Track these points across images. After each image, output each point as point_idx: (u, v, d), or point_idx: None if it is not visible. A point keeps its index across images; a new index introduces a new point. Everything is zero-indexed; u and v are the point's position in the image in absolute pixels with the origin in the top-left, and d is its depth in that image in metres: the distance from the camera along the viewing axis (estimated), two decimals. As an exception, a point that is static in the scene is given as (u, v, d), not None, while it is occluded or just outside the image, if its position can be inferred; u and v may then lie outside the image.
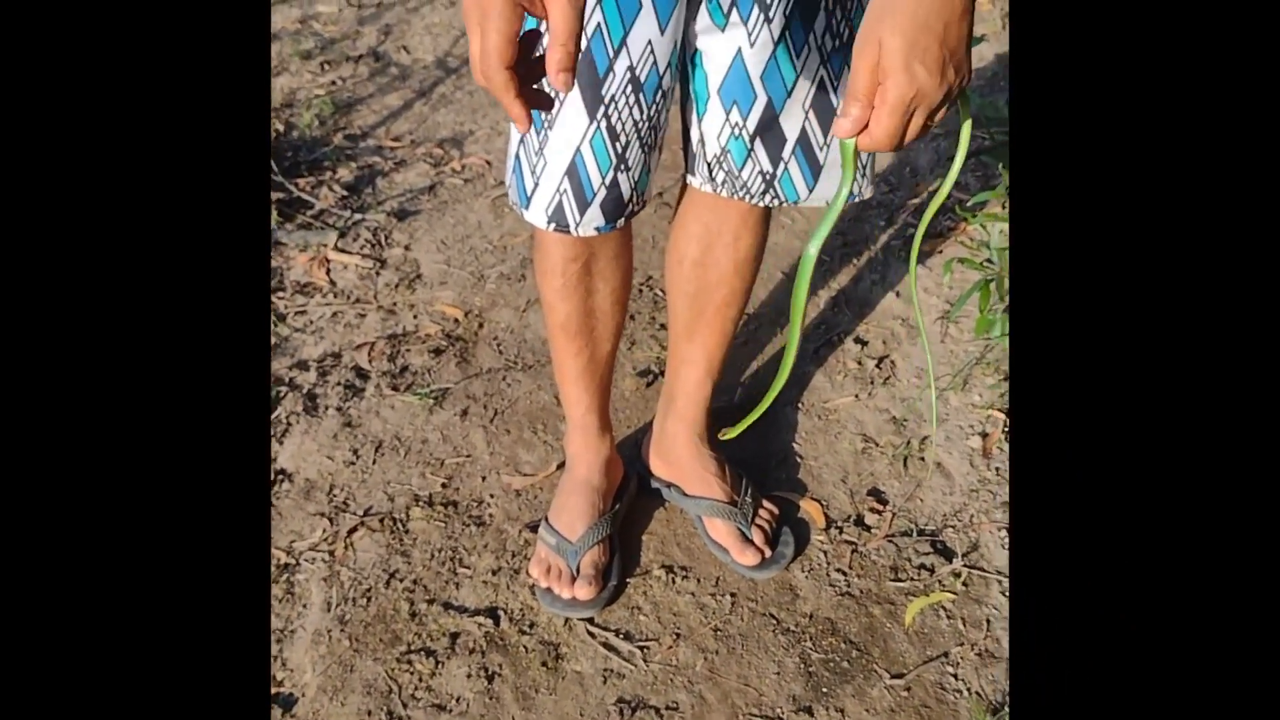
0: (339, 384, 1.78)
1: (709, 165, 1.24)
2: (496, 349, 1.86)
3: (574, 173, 1.15)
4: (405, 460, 1.66)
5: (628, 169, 1.17)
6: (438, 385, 1.78)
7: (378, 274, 2.03)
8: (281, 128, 2.48)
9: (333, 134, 2.48)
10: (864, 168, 1.21)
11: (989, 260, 1.71)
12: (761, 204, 1.27)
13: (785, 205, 1.26)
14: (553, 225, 1.19)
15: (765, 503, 1.54)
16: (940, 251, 2.03)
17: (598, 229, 1.20)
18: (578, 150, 1.14)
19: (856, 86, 0.78)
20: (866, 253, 2.07)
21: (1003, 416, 1.68)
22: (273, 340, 1.86)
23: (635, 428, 1.72)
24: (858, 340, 1.87)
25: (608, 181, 1.16)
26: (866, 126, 0.79)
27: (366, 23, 3.03)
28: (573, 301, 1.33)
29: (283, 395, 1.75)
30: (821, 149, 1.19)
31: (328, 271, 2.04)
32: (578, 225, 1.19)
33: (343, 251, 2.08)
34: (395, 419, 1.72)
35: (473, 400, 1.75)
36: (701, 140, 1.23)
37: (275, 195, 2.19)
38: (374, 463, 1.65)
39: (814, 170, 1.21)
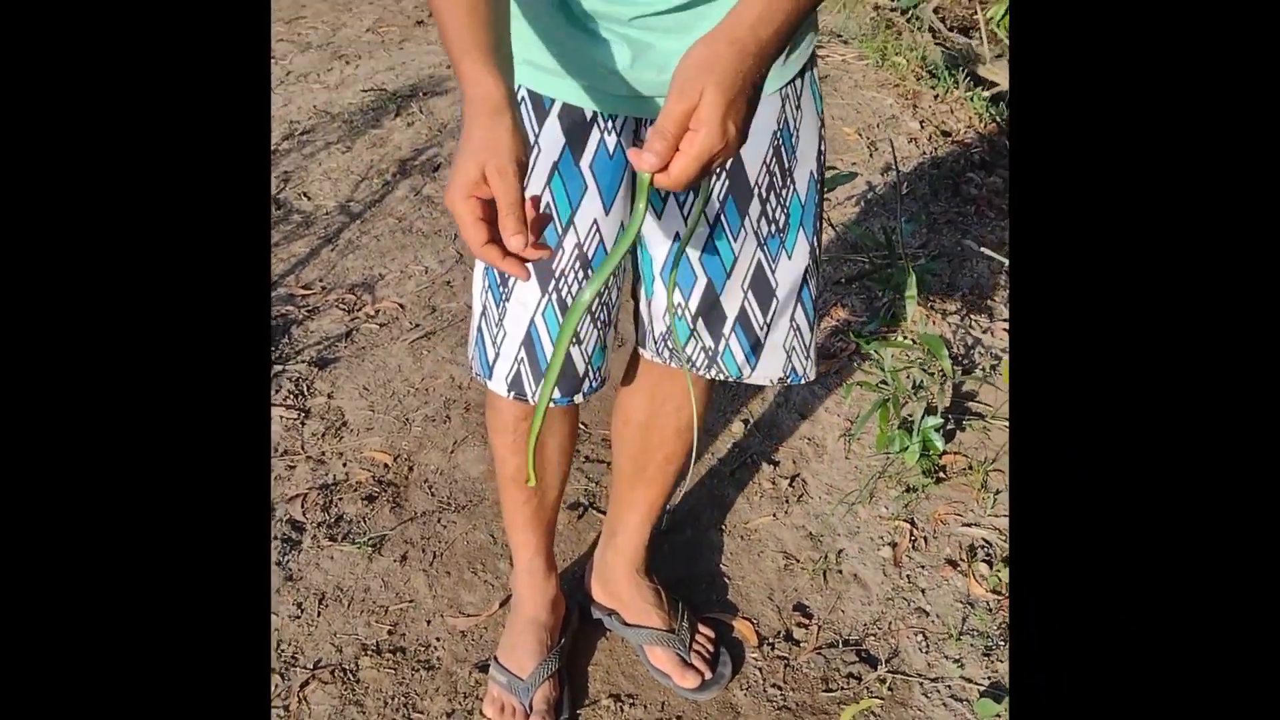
0: (276, 538, 1.82)
1: (655, 340, 1.33)
2: (429, 491, 1.93)
3: (529, 344, 1.25)
4: (349, 610, 1.71)
5: (579, 342, 1.25)
6: (374, 533, 1.84)
7: (303, 424, 2.09)
8: (191, 281, 2.53)
9: (243, 285, 2.54)
10: (807, 349, 1.31)
11: (884, 382, 1.87)
12: (706, 376, 1.35)
13: (732, 379, 1.33)
14: (512, 394, 1.28)
15: (700, 626, 1.64)
16: (838, 373, 2.19)
17: (553, 401, 1.27)
18: (532, 322, 1.24)
19: (667, 127, 0.84)
20: (768, 376, 2.21)
21: (909, 526, 1.82)
22: (205, 498, 1.90)
23: (571, 560, 1.80)
24: (770, 461, 2.00)
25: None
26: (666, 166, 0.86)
27: (264, 170, 3.11)
28: (523, 455, 1.42)
29: (222, 553, 1.79)
30: (762, 328, 1.28)
31: (253, 424, 2.08)
32: (533, 395, 1.27)
33: (266, 403, 2.13)
34: (335, 569, 1.77)
35: (410, 545, 1.82)
36: (649, 317, 1.32)
37: (193, 351, 2.24)
38: (319, 614, 1.70)
39: (754, 348, 1.29)
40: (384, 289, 2.54)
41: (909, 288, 1.81)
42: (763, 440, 2.05)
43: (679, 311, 1.28)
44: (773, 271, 1.26)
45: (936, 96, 3.53)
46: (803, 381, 1.32)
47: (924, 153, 3.13)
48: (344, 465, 1.99)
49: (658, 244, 1.26)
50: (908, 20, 4.34)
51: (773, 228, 1.24)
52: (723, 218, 1.23)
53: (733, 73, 0.83)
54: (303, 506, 1.89)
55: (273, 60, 3.90)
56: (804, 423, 2.08)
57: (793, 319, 1.30)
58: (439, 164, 3.13)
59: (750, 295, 1.27)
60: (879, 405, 1.83)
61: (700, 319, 1.28)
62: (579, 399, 1.29)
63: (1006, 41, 4.74)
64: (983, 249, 2.20)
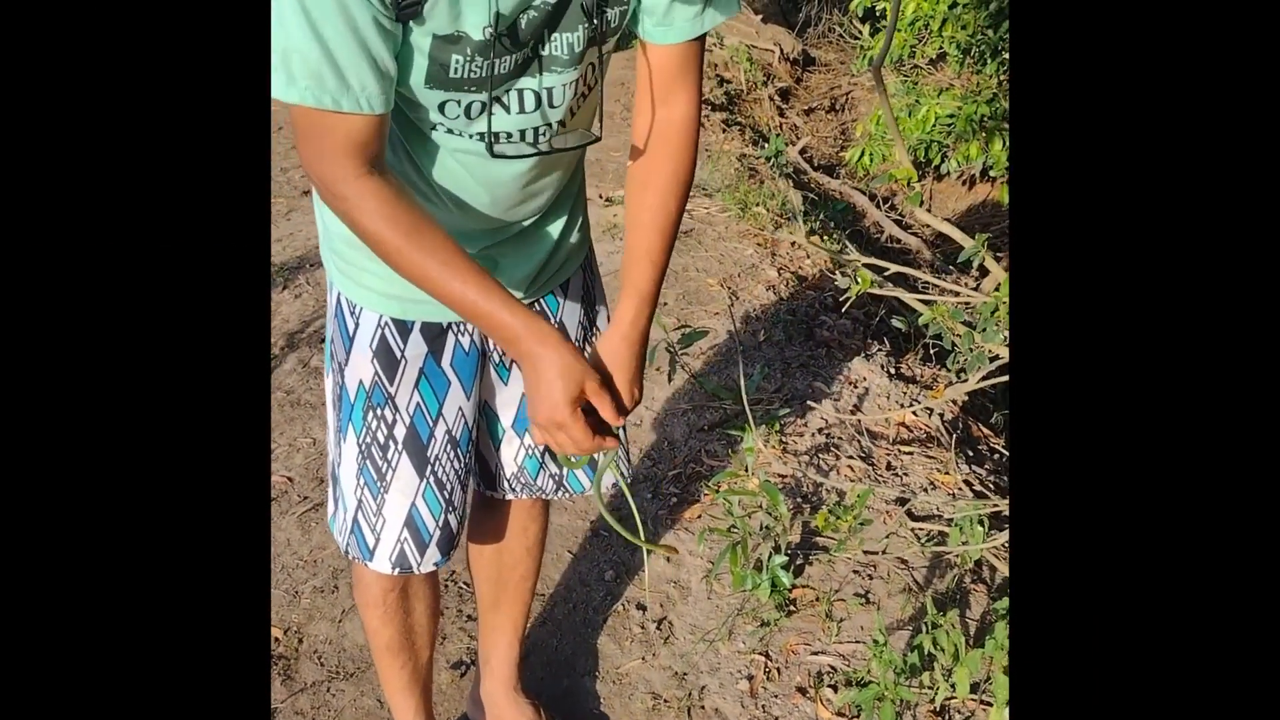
0: (171, 719, 1.91)
1: (508, 481, 1.56)
2: (318, 662, 2.04)
3: (411, 524, 1.42)
4: (243, 784, 1.79)
5: (455, 509, 1.45)
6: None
7: (196, 604, 2.19)
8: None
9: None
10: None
11: (733, 527, 2.06)
12: (553, 498, 1.60)
13: (576, 495, 1.59)
14: (397, 570, 1.44)
15: None
16: (700, 517, 2.38)
17: (436, 564, 1.46)
18: (412, 504, 1.42)
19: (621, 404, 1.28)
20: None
21: (764, 659, 1.99)
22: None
23: (454, 718, 1.92)
24: (639, 606, 2.16)
25: (440, 523, 1.44)
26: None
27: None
28: (394, 624, 1.57)
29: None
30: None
31: (147, 608, 2.18)
32: (419, 565, 1.44)
33: (160, 586, 2.23)
34: (229, 745, 1.86)
35: (300, 715, 1.92)
36: (499, 464, 1.55)
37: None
38: (213, 791, 1.78)
39: (592, 464, 1.52)
40: (273, 463, 2.66)
41: (747, 440, 2.01)
42: (633, 586, 2.21)
43: (530, 452, 1.52)
44: None
45: (794, 244, 3.82)
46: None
47: (780, 299, 3.39)
48: (236, 641, 2.09)
49: (505, 407, 1.50)
50: (770, 166, 4.67)
51: None
52: None
53: (631, 359, 1.31)
54: (196, 685, 1.98)
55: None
56: (670, 567, 2.25)
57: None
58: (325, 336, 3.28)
59: None
60: (730, 548, 2.01)
61: (547, 453, 1.53)
62: (453, 554, 1.49)
63: (867, 180, 5.14)
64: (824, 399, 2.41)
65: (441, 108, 1.19)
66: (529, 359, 1.19)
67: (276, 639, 2.09)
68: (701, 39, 1.25)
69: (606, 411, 1.24)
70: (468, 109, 1.19)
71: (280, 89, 1.06)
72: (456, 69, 1.13)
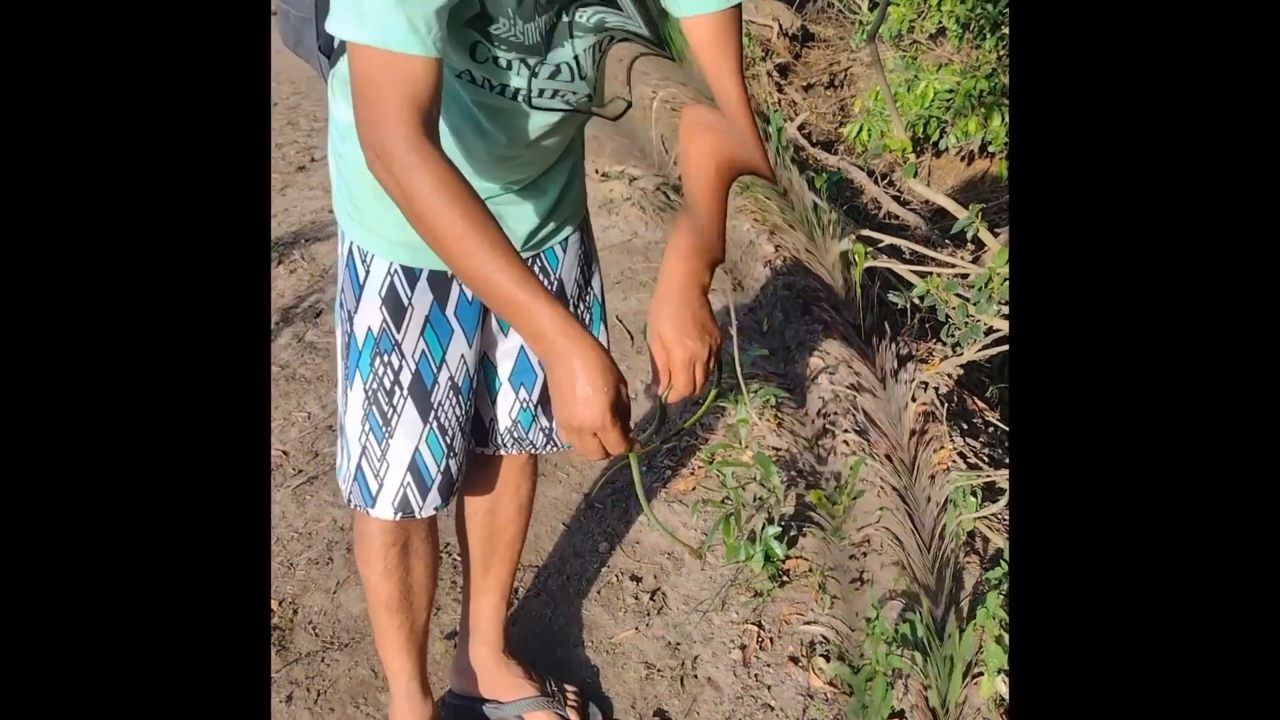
0: (166, 688, 1.92)
1: (500, 436, 1.59)
2: (313, 632, 2.05)
3: (415, 469, 1.45)
4: (237, 752, 1.80)
5: (455, 455, 1.48)
6: (261, 675, 1.94)
7: (192, 575, 2.19)
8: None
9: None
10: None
11: (727, 498, 2.06)
12: (543, 453, 1.64)
13: (563, 450, 1.62)
14: (400, 514, 1.47)
15: (566, 685, 1.85)
16: (694, 489, 2.38)
17: (436, 508, 1.49)
18: (416, 449, 1.44)
19: (654, 361, 1.23)
20: (632, 495, 2.39)
21: (756, 629, 2.00)
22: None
23: (448, 688, 1.92)
24: (633, 577, 2.16)
25: (442, 468, 1.47)
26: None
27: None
28: (394, 581, 1.58)
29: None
30: None
31: (143, 579, 2.18)
32: (421, 509, 1.48)
33: (155, 558, 2.24)
34: (224, 714, 1.87)
35: (295, 685, 1.93)
36: (494, 418, 1.58)
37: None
38: (208, 759, 1.79)
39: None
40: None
41: (740, 412, 2.01)
42: (626, 558, 2.22)
43: (524, 405, 1.56)
44: None
45: (790, 225, 3.81)
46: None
47: (778, 275, 3.39)
48: (231, 612, 2.10)
49: (504, 358, 1.54)
50: (769, 143, 4.66)
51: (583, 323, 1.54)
52: None
53: (672, 307, 1.23)
54: (191, 656, 1.99)
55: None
56: (664, 538, 2.25)
57: None
58: (320, 310, 3.28)
59: None
60: (723, 519, 2.01)
61: (539, 406, 1.56)
62: (453, 499, 1.53)
63: (866, 155, 5.12)
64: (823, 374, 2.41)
65: (472, 50, 1.21)
66: (562, 358, 1.12)
67: (272, 610, 2.10)
68: (736, 10, 1.24)
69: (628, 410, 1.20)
70: (504, 63, 1.23)
71: (350, 31, 1.07)
72: (499, 28, 1.18)
